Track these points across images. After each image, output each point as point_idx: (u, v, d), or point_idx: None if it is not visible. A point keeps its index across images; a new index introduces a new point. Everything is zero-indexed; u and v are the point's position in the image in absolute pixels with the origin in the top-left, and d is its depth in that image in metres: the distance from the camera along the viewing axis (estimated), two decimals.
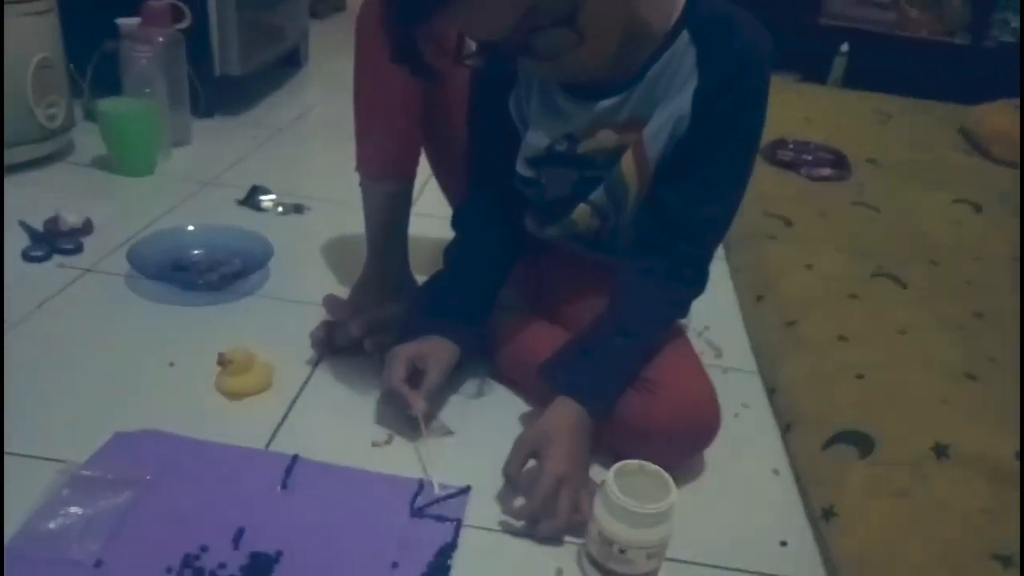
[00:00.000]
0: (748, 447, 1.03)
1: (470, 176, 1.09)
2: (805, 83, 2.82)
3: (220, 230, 1.30)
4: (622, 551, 0.76)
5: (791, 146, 1.91)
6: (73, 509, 0.78)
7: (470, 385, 1.07)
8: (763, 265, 1.41)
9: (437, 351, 0.98)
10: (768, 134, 1.97)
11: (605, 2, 0.81)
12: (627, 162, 0.95)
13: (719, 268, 1.51)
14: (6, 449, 0.86)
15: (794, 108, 2.30)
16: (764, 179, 1.79)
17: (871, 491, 0.85)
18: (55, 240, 1.29)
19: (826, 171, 1.84)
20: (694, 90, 0.89)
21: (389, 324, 1.06)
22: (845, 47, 2.91)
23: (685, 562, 0.83)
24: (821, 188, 1.78)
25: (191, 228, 1.29)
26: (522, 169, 1.00)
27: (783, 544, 0.87)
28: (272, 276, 1.29)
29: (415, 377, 0.96)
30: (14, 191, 1.47)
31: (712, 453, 0.96)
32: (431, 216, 1.27)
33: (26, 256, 1.25)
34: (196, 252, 1.26)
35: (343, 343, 1.07)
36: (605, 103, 0.92)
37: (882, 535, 0.81)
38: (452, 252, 1.08)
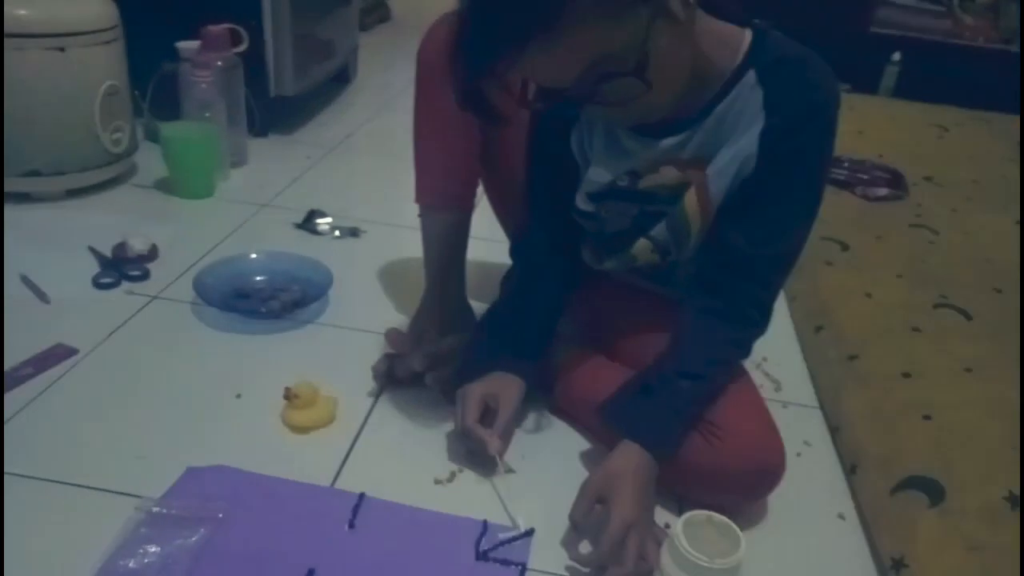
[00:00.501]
0: (812, 489, 1.01)
1: (529, 209, 1.10)
2: (855, 94, 2.77)
3: (280, 257, 1.32)
4: None
5: (846, 164, 1.88)
6: (151, 548, 0.81)
7: (529, 420, 1.08)
8: (820, 293, 1.39)
9: (506, 388, 0.98)
10: None
11: (672, 50, 0.80)
12: (690, 200, 0.95)
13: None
14: (78, 482, 0.89)
15: (846, 121, 2.24)
16: None
17: (943, 542, 0.84)
18: (123, 266, 1.32)
19: (883, 191, 1.81)
20: (760, 131, 0.88)
21: (449, 357, 1.07)
22: (897, 56, 2.85)
23: None
24: (877, 209, 1.76)
25: (253, 256, 1.31)
26: (582, 204, 1.01)
27: None
28: (331, 303, 1.31)
29: (486, 415, 0.97)
30: (80, 215, 1.51)
31: (775, 495, 0.95)
32: (487, 240, 1.27)
33: (96, 283, 1.28)
34: (258, 279, 1.29)
35: (404, 376, 1.08)
36: (669, 141, 0.92)
37: None
38: (511, 284, 1.09)
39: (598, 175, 0.97)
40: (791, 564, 0.90)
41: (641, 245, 1.01)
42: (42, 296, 1.23)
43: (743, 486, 0.91)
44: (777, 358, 1.28)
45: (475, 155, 1.13)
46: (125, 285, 1.30)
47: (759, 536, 0.92)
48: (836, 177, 1.86)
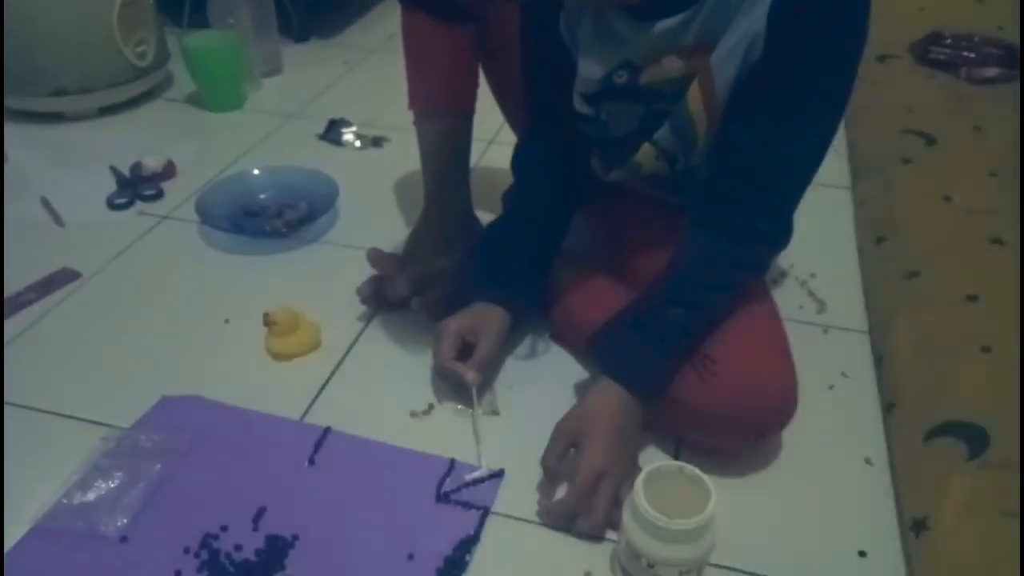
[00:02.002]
0: (840, 428, 0.88)
1: (529, 112, 0.98)
2: None
3: (285, 172, 1.27)
4: (650, 566, 0.67)
5: (948, 41, 1.61)
6: (108, 480, 0.79)
7: (523, 346, 0.99)
8: (891, 197, 1.20)
9: (487, 322, 0.90)
10: (921, 26, 1.69)
11: None
12: (693, 94, 0.80)
13: (842, 200, 1.31)
14: (57, 410, 0.89)
15: None
16: (910, 85, 1.52)
17: (975, 504, 0.70)
18: (138, 186, 1.30)
19: (992, 71, 1.54)
20: (769, 4, 0.72)
21: (438, 280, 0.99)
22: None
23: (735, 570, 0.73)
24: (982, 93, 1.49)
25: (256, 172, 1.26)
26: (579, 106, 0.88)
27: (861, 555, 0.75)
28: (341, 218, 1.25)
29: (467, 350, 0.89)
30: (109, 133, 1.51)
31: (794, 434, 0.83)
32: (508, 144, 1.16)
33: (110, 204, 1.27)
34: (263, 196, 1.24)
35: (394, 299, 1.01)
36: (666, 23, 0.77)
37: (980, 561, 0.67)
38: (509, 200, 0.98)
39: (589, 69, 0.84)
40: (799, 513, 0.79)
41: (645, 151, 0.88)
42: (58, 219, 1.24)
43: (741, 428, 0.80)
44: (829, 275, 1.13)
45: (467, 51, 1.01)
46: (139, 205, 1.28)
47: (767, 480, 0.82)
48: (936, 57, 1.59)
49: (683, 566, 0.66)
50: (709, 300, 0.80)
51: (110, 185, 1.32)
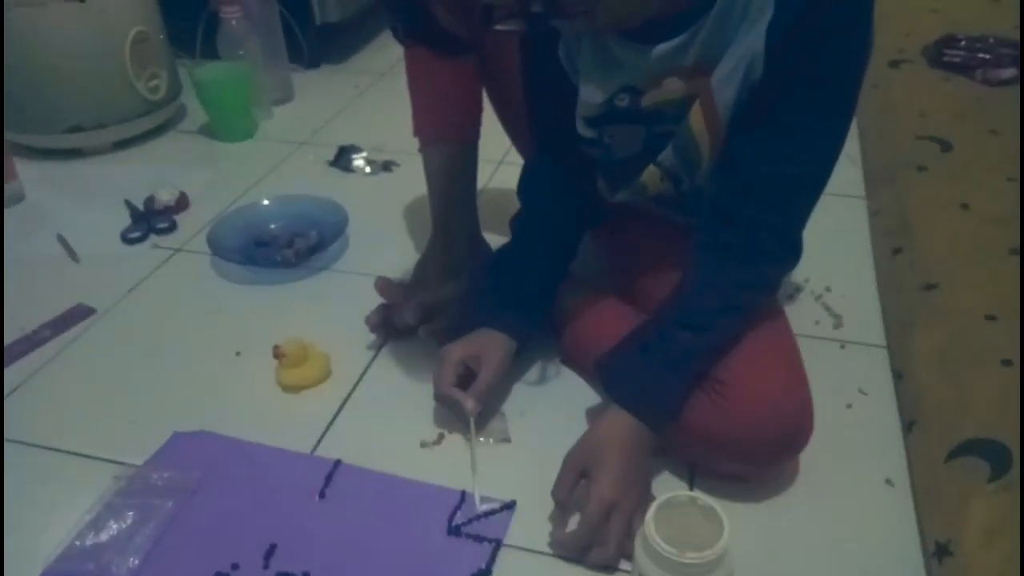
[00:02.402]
0: (859, 448, 0.86)
1: (533, 137, 0.97)
2: None
3: (295, 201, 1.27)
4: None
5: (962, 43, 1.58)
6: (120, 520, 0.80)
7: (532, 372, 0.98)
8: (906, 206, 1.17)
9: (490, 349, 0.89)
10: (935, 28, 1.66)
11: None
12: (696, 116, 0.79)
13: (856, 210, 1.29)
14: (72, 449, 0.89)
15: None
16: (923, 90, 1.50)
17: (997, 528, 0.68)
18: (151, 219, 1.32)
19: (1008, 72, 1.51)
20: (768, 23, 0.71)
21: (445, 306, 0.98)
22: None
23: None
24: (999, 95, 1.46)
25: (266, 203, 1.27)
26: (582, 129, 0.87)
27: None
28: (351, 245, 1.25)
29: (471, 377, 0.88)
30: (123, 167, 1.52)
31: (812, 455, 0.81)
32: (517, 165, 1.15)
33: (124, 238, 1.29)
34: (273, 226, 1.25)
35: (402, 327, 1.01)
36: (664, 46, 0.76)
37: None
38: (517, 226, 0.98)
39: (591, 94, 0.83)
40: (818, 540, 0.77)
41: (650, 173, 0.87)
42: (73, 254, 1.25)
43: (757, 454, 0.78)
44: (844, 288, 1.10)
45: (469, 78, 1.01)
46: (153, 238, 1.29)
47: (784, 505, 0.80)
48: (950, 60, 1.57)
49: None
50: (718, 323, 0.79)
51: (124, 219, 1.33)
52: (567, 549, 0.75)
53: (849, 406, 0.91)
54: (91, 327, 1.09)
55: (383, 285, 1.02)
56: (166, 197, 1.34)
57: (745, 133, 0.77)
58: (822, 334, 1.02)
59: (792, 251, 0.81)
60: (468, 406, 0.85)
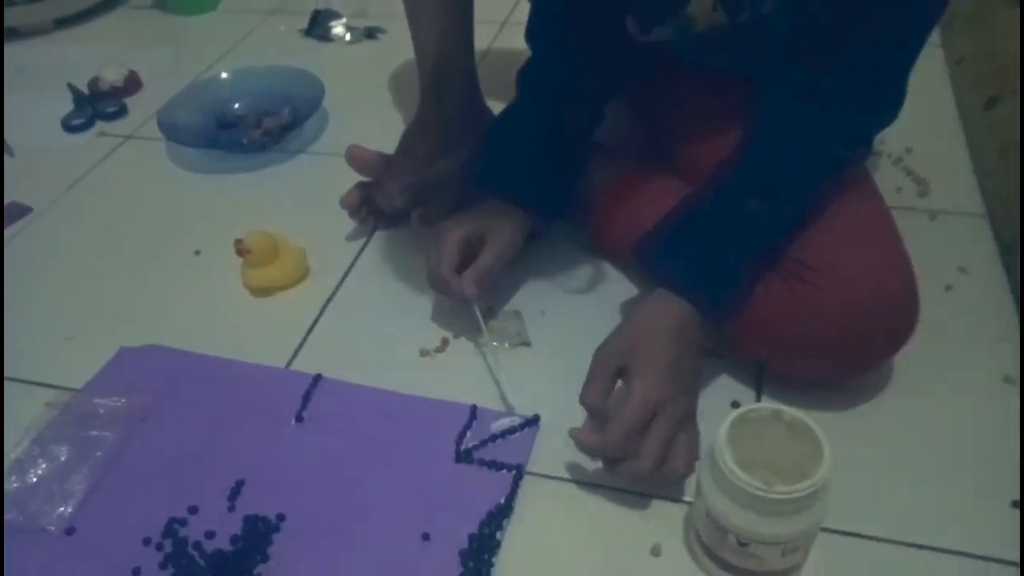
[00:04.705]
0: (966, 340, 0.69)
1: None
2: None
3: (262, 74, 1.07)
4: (743, 544, 0.50)
5: None
6: (50, 459, 0.64)
7: (556, 260, 0.80)
8: (1001, 49, 0.96)
9: (497, 224, 0.71)
10: None
11: None
12: None
13: (931, 59, 1.08)
14: (4, 374, 0.73)
15: None
16: None
17: None
18: (97, 103, 1.12)
19: None
20: None
21: (440, 185, 0.80)
22: None
23: (849, 534, 0.56)
24: None
25: (224, 76, 1.06)
26: None
27: (1015, 506, 0.57)
28: (330, 123, 1.06)
29: (474, 259, 0.71)
30: (63, 48, 1.31)
31: (907, 352, 0.63)
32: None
33: (66, 126, 1.10)
34: (238, 105, 1.05)
35: (389, 212, 0.83)
36: None
37: None
38: (525, 77, 0.78)
39: None
40: (920, 455, 0.61)
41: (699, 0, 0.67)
42: (7, 148, 1.06)
43: (850, 353, 0.61)
44: (927, 147, 0.91)
45: None
46: (99, 125, 1.10)
47: (878, 415, 0.64)
48: None
49: (788, 543, 0.49)
50: (798, 187, 0.61)
51: (67, 105, 1.13)
52: (593, 454, 0.59)
53: (948, 288, 0.74)
54: (26, 228, 0.92)
55: (358, 155, 0.82)
56: (112, 77, 1.14)
57: None
58: (906, 203, 0.84)
59: (893, 98, 0.62)
60: (465, 289, 0.68)
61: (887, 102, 0.62)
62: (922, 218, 0.82)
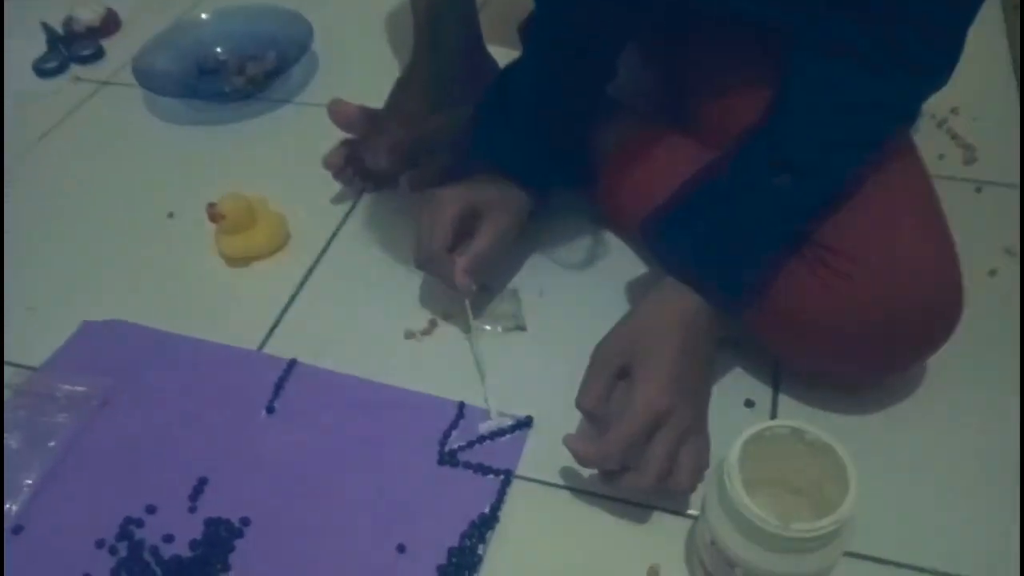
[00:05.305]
0: (1009, 334, 0.62)
1: None
2: None
3: (245, 14, 0.98)
4: None
5: None
6: (7, 444, 0.59)
7: (558, 233, 0.73)
8: None
9: (495, 201, 0.64)
10: None
11: None
12: None
13: (984, 7, 0.97)
14: None
15: None
16: None
17: None
18: (71, 45, 1.04)
19: None
20: None
21: (434, 144, 0.72)
22: None
23: (870, 559, 0.50)
24: None
25: (205, 17, 0.98)
26: None
27: None
28: (319, 69, 0.98)
29: (467, 238, 0.64)
30: None
31: (944, 347, 0.57)
32: None
33: (38, 69, 1.02)
34: (220, 49, 0.97)
35: (377, 172, 0.75)
36: None
37: None
38: (528, 31, 0.69)
39: None
40: (956, 465, 0.55)
41: None
42: None
43: (879, 351, 0.54)
44: (976, 109, 0.82)
45: None
46: (73, 69, 1.03)
47: (904, 419, 0.57)
48: None
49: None
50: (831, 163, 0.53)
51: (40, 47, 1.06)
52: (590, 465, 0.53)
53: (993, 273, 0.66)
54: None
55: (341, 110, 0.75)
56: (88, 16, 1.06)
57: None
58: (950, 172, 0.75)
59: (951, 61, 0.53)
60: (459, 280, 0.61)
61: (939, 62, 0.53)
62: (966, 189, 0.74)
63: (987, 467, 0.54)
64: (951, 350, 0.56)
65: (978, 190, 0.74)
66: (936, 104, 0.82)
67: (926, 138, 0.79)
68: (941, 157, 0.77)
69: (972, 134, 0.79)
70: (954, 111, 0.81)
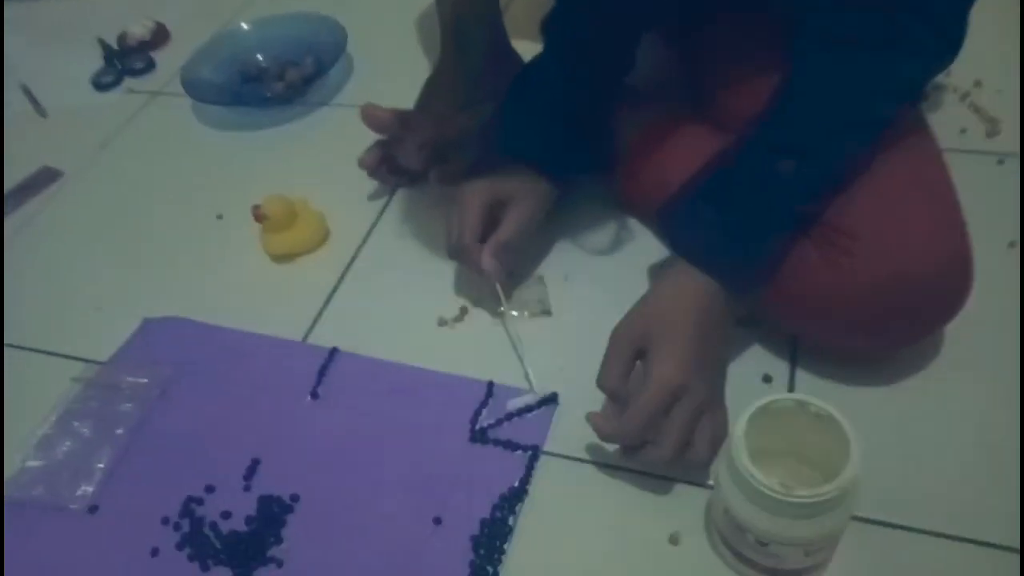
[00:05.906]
0: None
1: None
2: None
3: (283, 22, 1.03)
4: (762, 544, 0.46)
5: None
6: (74, 435, 0.65)
7: (581, 220, 0.76)
8: None
9: (521, 191, 0.68)
10: None
11: None
12: None
13: None
14: (31, 345, 0.74)
15: None
16: None
17: None
18: (125, 59, 1.11)
19: None
20: None
21: (462, 142, 0.76)
22: None
23: (882, 524, 0.52)
24: None
25: (245, 27, 1.03)
26: None
27: None
28: (355, 72, 1.02)
29: (496, 227, 0.67)
30: (90, 2, 1.29)
31: (961, 318, 0.58)
32: None
33: (96, 83, 1.09)
34: (261, 57, 1.02)
35: (409, 170, 0.79)
36: None
37: None
38: (550, 27, 0.72)
39: None
40: (973, 438, 0.56)
41: None
42: (39, 109, 1.06)
43: (888, 328, 0.56)
44: (1000, 82, 0.82)
45: None
46: (128, 82, 1.09)
47: (920, 389, 0.59)
48: None
49: (810, 545, 0.46)
50: (836, 145, 0.54)
51: (97, 62, 1.12)
52: (611, 440, 0.56)
53: (1012, 244, 0.67)
54: (56, 194, 0.92)
55: (373, 114, 0.79)
56: (139, 31, 1.12)
57: None
58: (971, 146, 0.76)
59: (953, 43, 0.54)
60: (483, 264, 0.65)
61: (941, 44, 0.54)
62: (988, 162, 0.74)
63: (1004, 432, 0.56)
64: (968, 320, 0.58)
65: (1000, 162, 0.74)
66: (959, 77, 0.82)
67: (948, 111, 0.79)
68: (963, 131, 0.77)
69: (995, 107, 0.79)
70: (977, 84, 0.81)
